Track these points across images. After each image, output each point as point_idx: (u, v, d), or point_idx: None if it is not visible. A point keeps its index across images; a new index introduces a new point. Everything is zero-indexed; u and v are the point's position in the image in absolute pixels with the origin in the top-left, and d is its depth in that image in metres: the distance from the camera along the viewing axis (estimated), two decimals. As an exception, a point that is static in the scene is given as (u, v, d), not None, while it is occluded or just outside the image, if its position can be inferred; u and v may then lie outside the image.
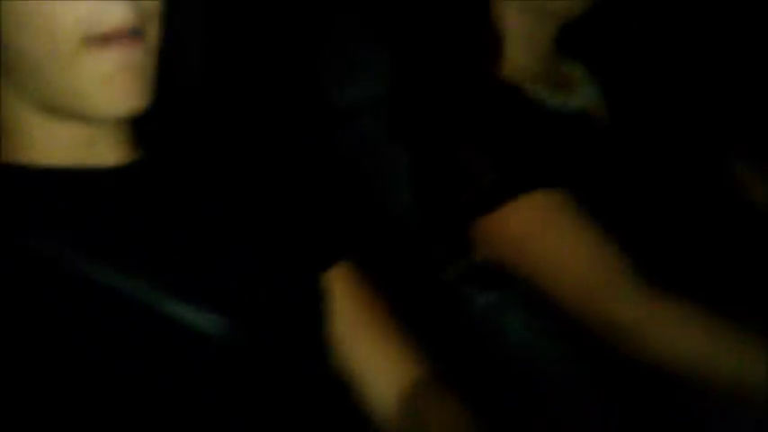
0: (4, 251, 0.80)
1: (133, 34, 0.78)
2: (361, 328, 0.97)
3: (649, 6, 1.38)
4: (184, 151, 0.93)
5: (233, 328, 0.83)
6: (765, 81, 1.51)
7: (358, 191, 1.24)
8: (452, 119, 1.15)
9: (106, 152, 0.86)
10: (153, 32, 0.81)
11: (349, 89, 1.26)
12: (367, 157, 1.25)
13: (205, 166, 0.93)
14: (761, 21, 1.52)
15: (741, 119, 1.43)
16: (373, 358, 0.96)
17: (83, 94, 0.79)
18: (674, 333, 1.07)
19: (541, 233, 1.12)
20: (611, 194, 1.16)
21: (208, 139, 0.96)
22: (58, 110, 0.82)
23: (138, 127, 0.88)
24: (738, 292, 1.16)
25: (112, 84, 0.78)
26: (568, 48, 1.26)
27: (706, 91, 1.36)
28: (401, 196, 1.22)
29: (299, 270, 0.92)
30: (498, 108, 1.15)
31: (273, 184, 0.96)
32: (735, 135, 1.37)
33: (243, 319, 0.84)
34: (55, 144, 0.84)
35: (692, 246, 1.19)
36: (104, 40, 0.78)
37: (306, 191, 0.99)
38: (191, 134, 0.96)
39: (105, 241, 0.82)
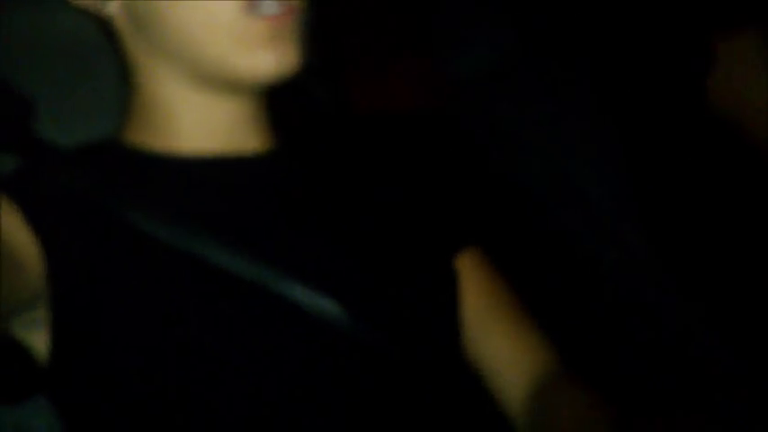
0: (134, 239, 0.81)
1: (284, 5, 0.81)
2: (490, 316, 0.94)
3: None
4: (316, 139, 0.96)
5: (352, 315, 0.81)
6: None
7: (482, 169, 1.22)
8: None
9: (246, 139, 0.88)
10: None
11: (462, 61, 1.24)
12: (487, 128, 1.22)
13: (337, 153, 0.95)
14: None
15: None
16: (503, 348, 0.94)
17: (238, 59, 0.82)
18: None
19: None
20: None
21: (339, 126, 1.01)
22: (210, 81, 0.84)
23: (277, 116, 0.91)
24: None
25: (267, 47, 0.81)
26: None
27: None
28: (527, 169, 1.21)
29: (431, 257, 0.92)
30: None
31: (403, 169, 0.97)
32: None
33: (365, 306, 0.83)
34: (199, 128, 0.86)
35: None
36: (258, 6, 0.81)
37: (435, 173, 0.99)
38: (323, 123, 1.01)
39: (233, 225, 0.84)
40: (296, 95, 0.98)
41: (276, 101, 0.90)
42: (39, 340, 0.81)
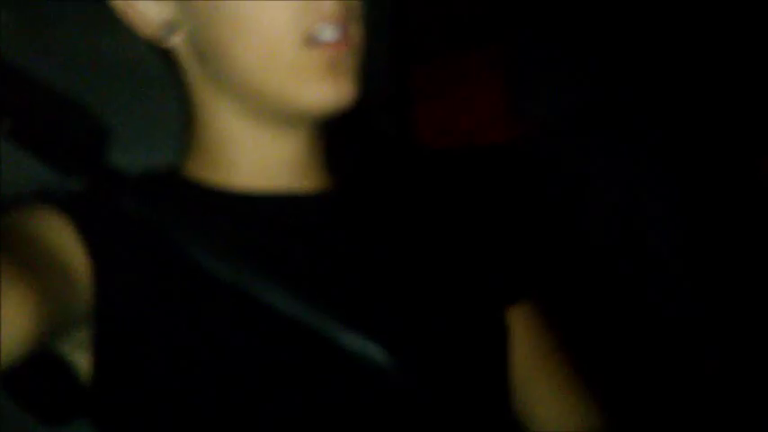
0: (186, 269, 0.82)
1: (342, 32, 0.81)
2: (538, 371, 0.94)
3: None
4: (377, 177, 0.95)
5: (399, 363, 0.80)
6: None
7: (546, 213, 1.19)
8: None
9: (303, 177, 0.88)
10: (356, 32, 0.83)
11: (540, 103, 1.22)
12: (556, 173, 1.20)
13: (396, 193, 0.94)
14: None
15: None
16: (549, 404, 0.94)
17: (297, 91, 0.81)
18: None
19: None
20: None
21: (402, 163, 0.99)
22: (269, 115, 0.84)
23: (338, 154, 0.91)
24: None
25: (325, 80, 0.81)
26: None
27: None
28: (592, 216, 1.19)
29: (483, 307, 0.90)
30: None
31: (465, 212, 0.96)
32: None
33: (412, 355, 0.82)
34: (257, 164, 0.86)
35: None
36: (318, 38, 0.81)
37: (497, 219, 0.98)
38: (387, 159, 1.00)
39: (283, 264, 0.83)
40: (362, 130, 0.97)
41: (340, 137, 0.90)
42: (84, 360, 0.81)
